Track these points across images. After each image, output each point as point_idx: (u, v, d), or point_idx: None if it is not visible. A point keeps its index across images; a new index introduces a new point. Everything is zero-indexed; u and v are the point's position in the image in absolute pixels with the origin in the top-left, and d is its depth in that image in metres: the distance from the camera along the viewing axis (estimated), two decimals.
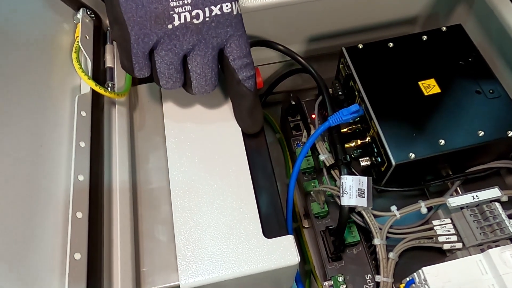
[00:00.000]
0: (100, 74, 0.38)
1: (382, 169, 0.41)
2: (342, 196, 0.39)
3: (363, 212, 0.40)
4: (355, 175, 0.42)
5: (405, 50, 0.45)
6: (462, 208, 0.39)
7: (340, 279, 0.43)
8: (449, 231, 0.39)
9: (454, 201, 0.38)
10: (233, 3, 0.31)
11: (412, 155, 0.38)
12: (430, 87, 0.42)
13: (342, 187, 0.39)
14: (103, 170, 0.32)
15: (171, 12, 0.29)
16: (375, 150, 0.42)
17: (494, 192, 0.38)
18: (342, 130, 0.45)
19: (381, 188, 0.42)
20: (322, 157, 0.44)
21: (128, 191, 0.33)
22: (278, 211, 0.33)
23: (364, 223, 0.41)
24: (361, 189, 0.39)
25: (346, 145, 0.44)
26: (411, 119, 0.41)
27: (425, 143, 0.39)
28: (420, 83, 0.43)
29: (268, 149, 0.37)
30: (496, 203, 0.38)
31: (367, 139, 0.43)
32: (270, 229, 0.32)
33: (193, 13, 0.30)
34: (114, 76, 0.38)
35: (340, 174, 0.40)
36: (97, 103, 0.35)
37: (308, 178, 0.50)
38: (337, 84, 0.48)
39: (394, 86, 0.43)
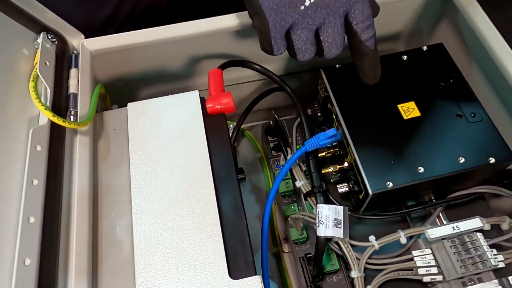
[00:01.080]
0: (62, 101, 0.36)
1: (360, 196, 0.39)
2: (318, 226, 0.37)
3: (340, 243, 0.38)
4: (333, 203, 0.40)
5: (385, 71, 0.43)
6: (443, 238, 0.37)
7: None
8: (429, 262, 0.37)
9: (434, 232, 0.36)
10: None
11: (390, 184, 0.37)
12: (409, 110, 0.41)
13: (318, 216, 0.38)
14: (60, 209, 0.31)
15: None
16: (352, 178, 0.40)
17: (475, 223, 0.36)
18: (321, 154, 0.44)
19: (359, 216, 0.41)
20: (298, 184, 0.42)
21: (87, 232, 0.31)
22: (246, 248, 0.32)
23: (341, 253, 0.39)
24: (338, 219, 0.37)
25: (324, 170, 0.42)
26: (390, 144, 0.39)
27: (403, 170, 0.37)
28: (399, 106, 0.41)
29: (239, 182, 0.35)
30: (478, 234, 0.37)
31: (345, 164, 0.41)
32: (237, 268, 0.31)
33: None
34: (77, 103, 0.36)
35: (316, 203, 0.39)
36: (57, 134, 0.33)
37: (288, 201, 0.48)
38: (316, 105, 0.47)
39: (372, 109, 0.41)
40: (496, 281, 0.32)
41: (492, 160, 0.37)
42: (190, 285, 0.30)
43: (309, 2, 0.33)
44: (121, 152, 0.36)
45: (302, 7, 0.33)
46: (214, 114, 0.38)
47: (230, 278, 0.30)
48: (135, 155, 0.35)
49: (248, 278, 0.30)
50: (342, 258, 0.43)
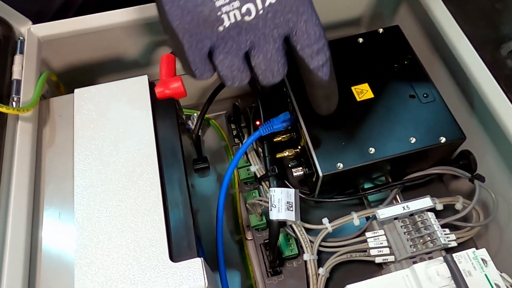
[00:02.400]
0: (4, 88, 0.35)
1: (313, 179, 0.39)
2: (271, 209, 0.37)
3: (294, 226, 0.38)
4: (286, 186, 0.40)
5: (340, 53, 0.43)
6: (395, 218, 0.37)
7: None
8: (381, 243, 0.37)
9: (384, 212, 0.36)
10: None
11: (341, 165, 0.36)
12: (363, 92, 0.41)
13: (271, 200, 0.37)
14: None
15: (218, 13, 0.26)
16: (305, 161, 0.40)
17: (425, 202, 0.36)
18: (277, 139, 0.43)
19: (315, 200, 0.40)
20: (253, 169, 0.42)
21: (25, 219, 0.30)
22: (189, 232, 0.31)
23: (296, 236, 0.39)
24: (290, 202, 0.37)
25: (280, 154, 0.42)
26: (342, 127, 0.39)
27: (354, 152, 0.37)
28: (353, 88, 0.41)
29: (185, 162, 0.35)
30: (429, 213, 0.37)
31: (298, 148, 0.41)
32: (178, 251, 0.30)
33: (243, 10, 0.27)
34: (20, 89, 0.35)
35: (269, 186, 0.38)
36: None
37: (250, 188, 0.48)
38: (274, 90, 0.46)
39: None
40: (440, 258, 0.32)
41: (443, 140, 0.37)
42: (130, 269, 0.29)
43: (228, 22, 0.27)
44: (66, 139, 0.35)
45: (221, 28, 0.27)
46: (163, 99, 0.38)
47: (170, 261, 0.29)
48: (80, 141, 0.34)
49: (189, 260, 0.29)
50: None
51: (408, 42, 0.44)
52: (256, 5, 0.27)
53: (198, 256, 0.30)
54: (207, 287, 0.29)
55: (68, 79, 0.45)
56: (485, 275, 0.31)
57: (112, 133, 0.35)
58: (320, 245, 0.38)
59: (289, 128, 0.43)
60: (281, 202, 0.37)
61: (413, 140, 0.37)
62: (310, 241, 0.38)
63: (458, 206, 0.39)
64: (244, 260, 0.49)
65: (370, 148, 0.37)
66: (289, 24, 0.28)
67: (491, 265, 0.33)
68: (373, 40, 0.44)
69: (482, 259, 0.33)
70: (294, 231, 0.39)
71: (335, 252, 0.38)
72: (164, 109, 0.37)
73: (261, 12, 0.27)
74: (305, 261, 0.37)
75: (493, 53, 0.38)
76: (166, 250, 0.30)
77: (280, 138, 0.43)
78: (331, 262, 0.37)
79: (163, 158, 0.34)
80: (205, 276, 0.29)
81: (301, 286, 0.41)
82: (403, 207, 0.36)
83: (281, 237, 0.43)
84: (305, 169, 0.41)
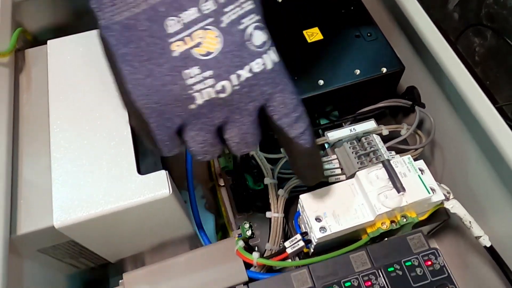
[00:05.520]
0: None
1: None
2: None
3: (255, 156, 0.42)
4: None
5: (292, 3, 0.47)
6: (345, 141, 0.41)
7: (246, 225, 0.45)
8: (334, 165, 0.41)
9: (333, 134, 0.40)
10: (264, 56, 0.25)
11: None
12: (313, 34, 0.45)
13: None
14: None
15: (190, 91, 0.25)
16: None
17: (369, 124, 0.40)
18: None
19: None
20: None
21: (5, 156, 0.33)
22: (155, 151, 0.35)
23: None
24: None
25: None
26: (294, 65, 0.43)
27: (306, 85, 0.41)
28: (304, 32, 0.45)
29: None
30: (374, 135, 0.41)
31: None
32: (145, 166, 0.34)
33: (218, 87, 0.25)
34: None
35: None
36: None
37: None
38: None
39: (280, 36, 0.45)
40: (379, 164, 0.36)
41: (384, 70, 0.42)
42: (103, 182, 0.33)
43: (201, 100, 0.25)
44: (42, 84, 0.39)
45: (193, 106, 0.25)
46: None
47: (138, 174, 0.33)
48: (54, 87, 0.38)
49: (155, 173, 0.33)
50: None
51: None
52: (231, 82, 0.25)
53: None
54: (171, 195, 0.33)
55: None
56: (419, 176, 0.36)
57: (87, 79, 0.38)
58: (279, 172, 0.42)
59: None
60: None
61: (358, 72, 0.42)
62: (271, 168, 0.42)
63: (403, 132, 0.43)
64: (218, 204, 0.53)
65: (320, 81, 0.41)
66: (264, 96, 0.26)
67: (427, 173, 0.37)
68: None
69: (420, 169, 0.37)
70: (256, 161, 0.42)
71: (293, 177, 0.42)
72: None
73: (236, 87, 0.25)
74: (266, 185, 0.41)
75: None
76: (134, 165, 0.33)
77: None
78: (289, 184, 0.41)
79: None
80: (170, 185, 0.33)
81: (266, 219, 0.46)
82: (350, 130, 0.40)
83: (249, 178, 0.47)
84: None
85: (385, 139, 0.41)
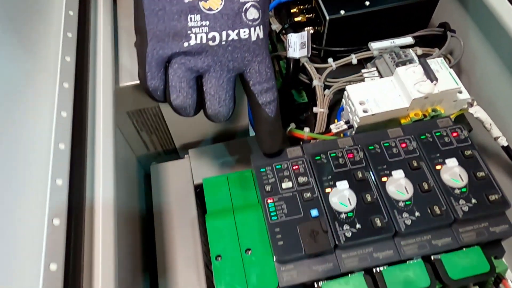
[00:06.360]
0: None
1: (321, 30, 0.50)
2: (288, 50, 0.48)
3: (306, 65, 0.49)
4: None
5: None
6: (385, 53, 0.48)
7: None
8: (373, 74, 0.48)
9: (376, 45, 0.47)
10: (252, 29, 0.32)
11: (342, 12, 0.47)
12: None
13: (288, 43, 0.48)
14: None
15: (188, 32, 0.31)
16: (316, 17, 0.51)
17: (407, 39, 0.47)
18: (297, 18, 0.54)
19: (324, 48, 0.51)
20: (274, 27, 0.53)
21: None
22: None
23: (308, 79, 0.50)
24: (303, 42, 0.48)
25: (296, 18, 0.53)
26: None
27: (354, 4, 0.48)
28: None
29: None
30: (411, 50, 0.47)
31: (313, 3, 0.51)
32: None
33: (210, 35, 0.31)
34: None
35: (286, 34, 0.49)
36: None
37: None
38: None
39: None
40: (416, 62, 0.43)
41: None
42: None
43: (194, 41, 0.31)
44: None
45: (186, 44, 0.31)
46: None
47: None
48: None
49: None
50: (311, 98, 0.53)
51: None
52: (221, 36, 0.31)
53: None
54: None
55: None
56: (449, 72, 0.42)
57: None
58: (325, 80, 0.49)
59: None
60: (296, 44, 0.48)
61: None
62: (318, 76, 0.49)
63: (435, 55, 0.50)
64: None
65: (366, 2, 0.48)
66: (244, 62, 0.32)
67: (456, 78, 0.44)
68: None
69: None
70: (305, 69, 0.49)
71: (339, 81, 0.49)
72: None
73: (223, 42, 0.31)
74: (314, 87, 0.48)
75: None
76: None
77: (300, 19, 0.54)
78: (334, 86, 0.48)
79: None
80: None
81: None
82: (390, 42, 0.47)
83: (293, 91, 0.53)
84: (315, 28, 0.52)
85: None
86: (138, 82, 0.38)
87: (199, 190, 0.43)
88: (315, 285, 0.33)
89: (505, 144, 0.44)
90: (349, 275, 0.33)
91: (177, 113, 0.34)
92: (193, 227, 0.40)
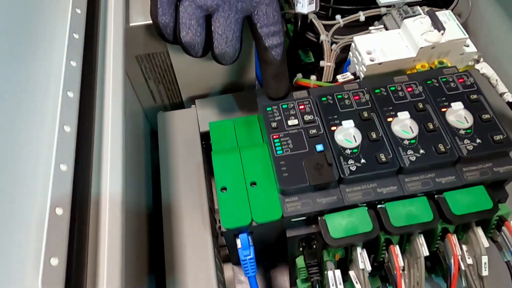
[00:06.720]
0: None
1: None
2: (296, 5, 0.48)
3: (314, 21, 0.49)
4: None
5: None
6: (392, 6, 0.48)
7: None
8: (381, 31, 0.48)
9: (384, 0, 0.47)
10: None
11: None
12: None
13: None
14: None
15: None
16: None
17: None
18: None
19: (332, 7, 0.52)
20: None
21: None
22: None
23: (316, 37, 0.50)
24: None
25: None
26: None
27: None
28: None
29: None
30: (418, 7, 0.48)
31: None
32: None
33: None
34: None
35: None
36: None
37: None
38: None
39: None
40: (424, 14, 0.43)
41: None
42: None
43: None
44: None
45: None
46: None
47: None
48: None
49: None
50: (318, 52, 0.53)
51: None
52: None
53: None
54: None
55: None
56: (457, 23, 0.42)
57: None
58: (332, 36, 0.49)
59: None
60: (305, 1, 0.49)
61: None
62: (326, 33, 0.49)
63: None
64: None
65: None
66: (252, 3, 0.33)
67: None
68: None
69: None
70: (312, 22, 0.49)
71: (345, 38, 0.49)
72: None
73: None
74: (321, 41, 0.48)
75: None
76: None
77: None
78: (341, 42, 0.48)
79: None
80: None
81: None
82: None
83: (300, 51, 0.54)
84: None
85: None
86: (148, 22, 0.39)
87: (205, 144, 0.44)
88: (318, 218, 0.33)
89: (511, 99, 0.45)
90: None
91: (186, 52, 0.34)
92: (198, 176, 0.41)
